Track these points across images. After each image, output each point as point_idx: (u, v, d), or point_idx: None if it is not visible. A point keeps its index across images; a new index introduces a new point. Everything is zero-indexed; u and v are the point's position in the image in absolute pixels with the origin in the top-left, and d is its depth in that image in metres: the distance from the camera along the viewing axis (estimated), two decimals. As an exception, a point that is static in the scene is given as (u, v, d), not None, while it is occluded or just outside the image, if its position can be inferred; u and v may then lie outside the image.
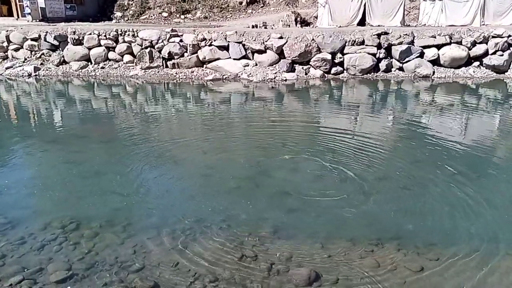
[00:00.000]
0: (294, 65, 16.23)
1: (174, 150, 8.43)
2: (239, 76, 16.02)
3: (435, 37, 16.12)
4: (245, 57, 16.50)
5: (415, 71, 15.92)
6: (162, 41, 16.95)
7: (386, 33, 16.17)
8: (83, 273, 4.67)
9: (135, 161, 7.85)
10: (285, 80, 15.61)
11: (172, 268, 4.75)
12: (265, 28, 19.30)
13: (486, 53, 16.05)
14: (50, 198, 6.44)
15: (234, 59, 16.51)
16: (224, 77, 16.08)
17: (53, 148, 8.68)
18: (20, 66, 17.49)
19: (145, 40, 17.01)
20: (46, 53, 17.86)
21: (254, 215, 5.89)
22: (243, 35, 16.57)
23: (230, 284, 4.49)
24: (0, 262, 4.87)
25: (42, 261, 4.88)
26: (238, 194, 6.54)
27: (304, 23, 21.83)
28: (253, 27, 19.16)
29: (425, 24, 19.03)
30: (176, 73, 16.53)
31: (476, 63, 16.17)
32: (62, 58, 17.59)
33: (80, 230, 5.51)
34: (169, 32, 17.01)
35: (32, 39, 17.91)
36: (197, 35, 16.93)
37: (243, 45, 16.44)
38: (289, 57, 16.09)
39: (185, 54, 16.87)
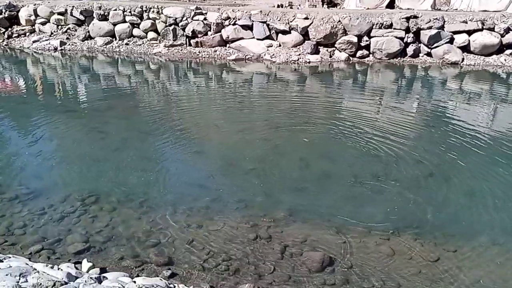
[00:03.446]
0: (319, 47, 15.94)
1: (193, 129, 8.46)
2: (262, 57, 15.85)
3: (466, 23, 15.54)
4: (269, 37, 16.28)
5: (443, 57, 15.43)
6: (186, 19, 16.86)
7: (415, 17, 15.66)
8: (100, 246, 4.78)
9: (155, 138, 7.92)
10: (309, 62, 15.37)
11: (186, 245, 4.81)
12: (291, 8, 18.97)
13: (519, 41, 15.39)
14: (71, 171, 6.56)
15: (257, 39, 16.31)
16: (247, 57, 15.94)
17: (76, 122, 8.81)
18: (47, 40, 17.71)
19: (170, 17, 16.94)
20: (72, 28, 18.01)
21: (270, 196, 5.89)
22: (267, 15, 16.32)
23: (243, 264, 4.52)
24: (21, 231, 5.02)
25: (61, 232, 5.01)
26: (255, 175, 6.52)
27: (331, 4, 21.32)
28: (278, 6, 18.83)
29: (456, 9, 18.32)
30: (199, 52, 16.47)
31: (509, 51, 15.52)
32: (88, 33, 17.72)
33: (99, 204, 5.62)
34: (193, 10, 16.88)
35: (59, 13, 18.07)
36: (222, 13, 16.76)
37: (268, 25, 16.20)
38: (314, 38, 15.81)
39: (209, 33, 16.75)
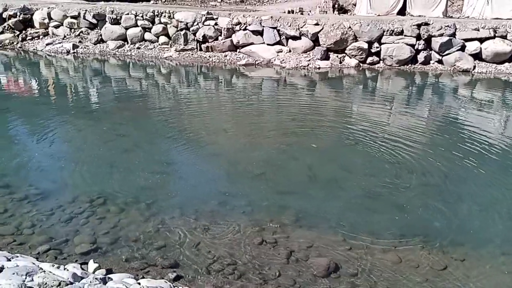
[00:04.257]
0: (329, 53, 15.92)
1: (202, 133, 8.50)
2: (272, 62, 15.89)
3: (478, 30, 15.42)
4: (279, 43, 16.31)
5: (454, 65, 15.32)
6: (197, 24, 16.97)
7: (426, 24, 15.59)
8: (106, 247, 4.80)
9: (164, 140, 7.97)
10: (319, 68, 15.37)
11: (193, 248, 4.82)
12: (302, 14, 19.00)
13: (532, 49, 15.21)
14: (80, 172, 6.62)
15: (268, 44, 16.35)
16: (256, 62, 15.99)
17: (86, 124, 8.89)
18: (60, 43, 17.94)
19: (181, 22, 17.07)
20: (85, 31, 18.23)
21: (277, 201, 5.87)
22: (278, 20, 16.36)
23: (248, 268, 4.51)
24: (30, 231, 5.07)
25: (69, 232, 5.05)
26: (262, 179, 6.52)
27: (342, 10, 21.35)
28: (289, 12, 18.89)
29: (468, 16, 18.20)
30: (209, 57, 16.55)
31: (521, 59, 15.38)
32: (100, 37, 17.91)
33: (107, 205, 5.66)
34: (204, 15, 17.00)
35: (72, 17, 18.31)
36: (232, 18, 16.85)
37: (278, 31, 16.24)
38: (324, 44, 15.80)
39: (219, 38, 16.84)
